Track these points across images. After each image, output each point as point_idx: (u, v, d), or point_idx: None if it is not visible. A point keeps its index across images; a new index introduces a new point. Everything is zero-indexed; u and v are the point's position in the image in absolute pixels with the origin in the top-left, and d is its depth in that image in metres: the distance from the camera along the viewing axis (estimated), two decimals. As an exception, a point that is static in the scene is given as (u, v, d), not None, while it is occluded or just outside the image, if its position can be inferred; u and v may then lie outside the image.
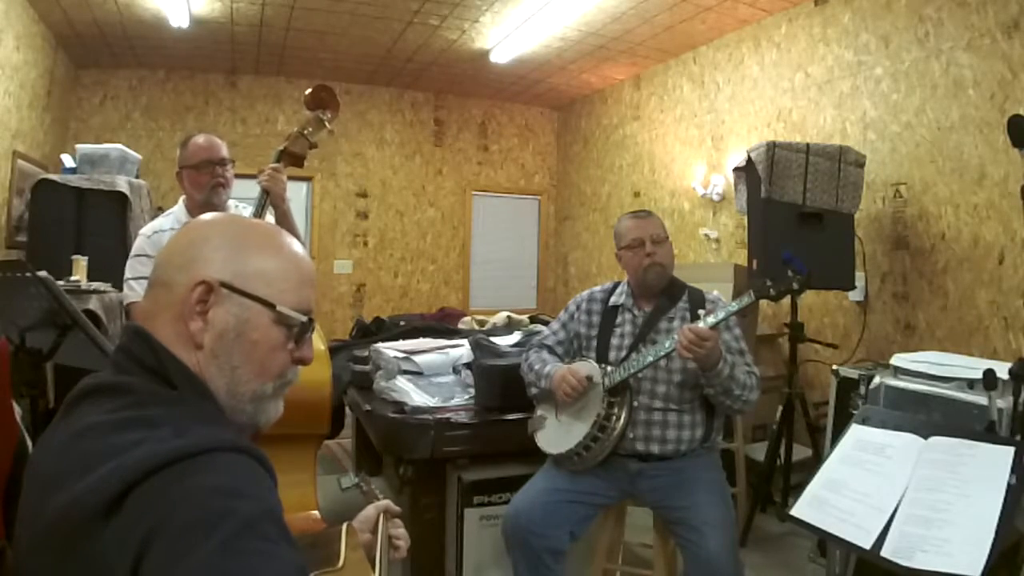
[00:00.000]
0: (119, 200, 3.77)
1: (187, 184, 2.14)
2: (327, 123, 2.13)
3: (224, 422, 0.77)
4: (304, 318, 0.83)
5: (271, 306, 0.80)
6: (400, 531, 1.09)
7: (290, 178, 2.11)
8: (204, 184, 2.10)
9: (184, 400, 0.74)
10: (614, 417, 1.92)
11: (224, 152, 2.15)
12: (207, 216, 0.85)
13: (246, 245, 0.81)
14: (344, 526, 0.94)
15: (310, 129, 2.11)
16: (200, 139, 2.15)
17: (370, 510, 1.09)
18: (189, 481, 0.63)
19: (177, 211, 2.20)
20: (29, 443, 1.70)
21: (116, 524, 0.61)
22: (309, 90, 2.15)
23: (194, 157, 2.11)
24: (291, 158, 2.10)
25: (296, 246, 0.87)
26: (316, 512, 1.89)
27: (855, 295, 3.45)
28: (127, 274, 2.10)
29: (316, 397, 1.84)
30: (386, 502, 1.11)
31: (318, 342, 1.88)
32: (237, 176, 2.21)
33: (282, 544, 0.64)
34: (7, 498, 1.54)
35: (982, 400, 1.84)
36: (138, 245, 2.12)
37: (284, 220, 2.08)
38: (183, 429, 0.68)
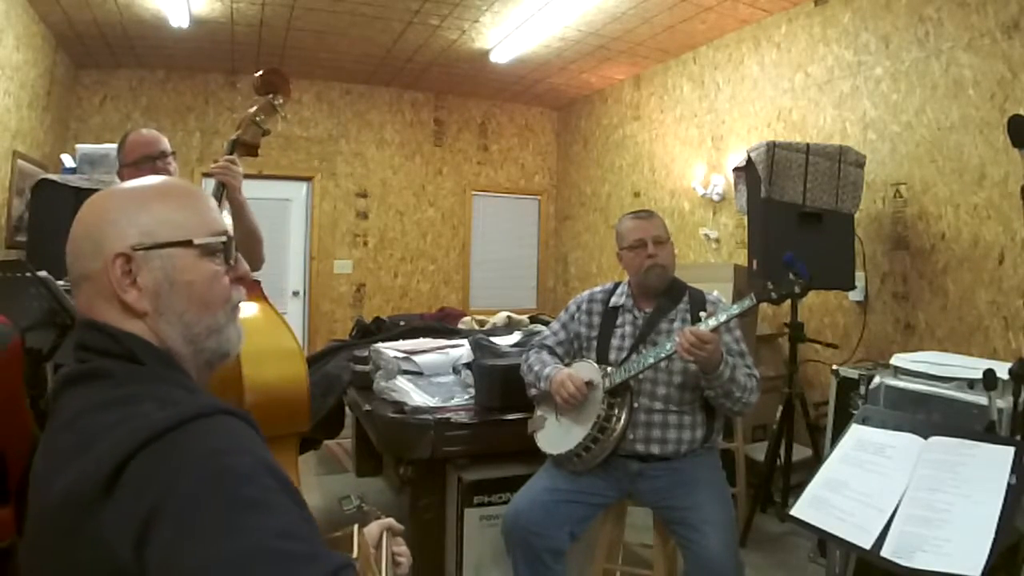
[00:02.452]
0: None
1: None
2: (279, 108, 2.04)
3: (196, 388, 0.79)
4: (223, 238, 0.83)
5: (188, 243, 0.80)
6: (403, 548, 1.10)
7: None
8: None
9: (157, 375, 0.76)
10: (614, 418, 1.91)
11: (164, 145, 2.07)
12: (87, 203, 0.85)
13: (134, 204, 0.81)
14: (355, 527, 0.95)
15: (262, 116, 2.02)
16: (137, 135, 2.07)
17: (373, 527, 1.09)
18: (179, 451, 0.64)
19: None
20: None
21: (114, 501, 0.62)
22: (259, 74, 2.04)
23: (132, 154, 2.03)
24: (245, 147, 2.01)
25: (181, 182, 0.88)
26: None
27: (855, 295, 3.45)
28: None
29: (293, 395, 1.84)
30: (389, 520, 1.11)
31: (289, 340, 1.86)
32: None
33: (280, 493, 0.65)
34: (20, 494, 1.54)
35: (982, 400, 1.84)
36: None
37: (240, 212, 1.97)
38: (165, 401, 0.69)
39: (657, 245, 2.02)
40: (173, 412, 0.67)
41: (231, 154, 1.99)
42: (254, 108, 2.03)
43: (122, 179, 2.08)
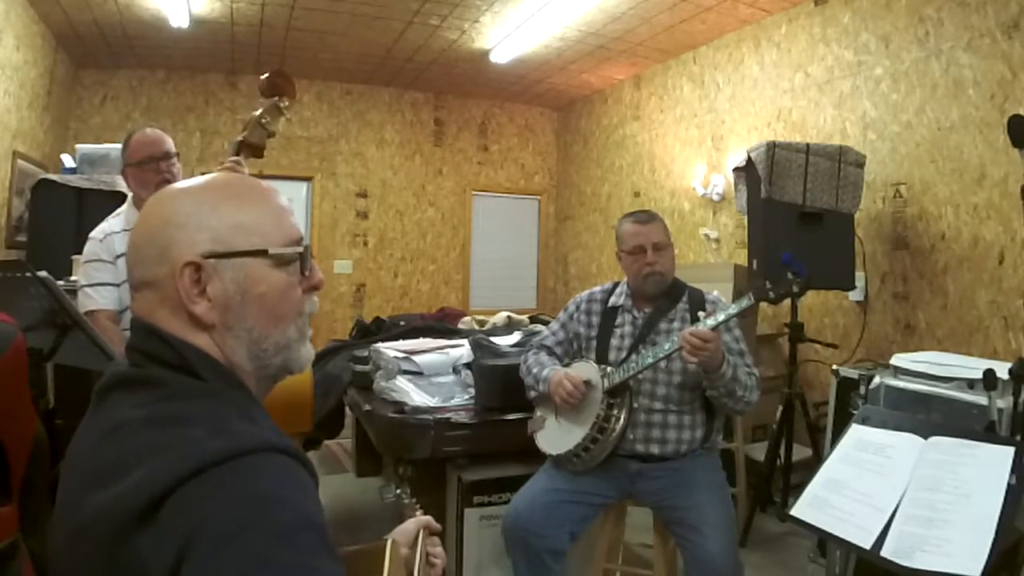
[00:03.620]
0: (119, 200, 3.70)
1: (132, 183, 2.05)
2: (284, 111, 2.04)
3: (256, 411, 0.74)
4: (300, 248, 0.79)
5: (263, 253, 0.75)
6: (438, 549, 1.07)
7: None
8: (149, 182, 2.00)
9: (215, 392, 0.71)
10: (613, 418, 1.91)
11: (168, 146, 2.06)
12: (150, 203, 0.79)
13: (205, 206, 0.75)
14: (389, 541, 0.91)
15: (268, 118, 2.01)
16: (141, 135, 2.07)
17: (410, 524, 1.06)
18: (224, 488, 0.61)
19: (126, 211, 2.10)
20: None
21: (153, 530, 0.59)
22: (264, 76, 2.04)
23: (136, 154, 2.03)
24: (251, 149, 1.99)
25: (254, 182, 0.82)
26: None
27: (855, 295, 3.45)
28: (81, 280, 2.00)
29: (297, 396, 1.83)
30: (427, 518, 1.08)
31: None
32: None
33: (318, 555, 0.61)
34: (23, 492, 1.55)
35: (982, 400, 1.84)
36: (90, 250, 2.02)
37: None
38: (218, 428, 0.66)
39: (657, 252, 2.00)
40: (224, 444, 0.63)
41: (237, 155, 1.99)
42: (260, 110, 2.03)
43: (125, 179, 2.09)
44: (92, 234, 2.07)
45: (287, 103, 2.05)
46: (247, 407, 0.73)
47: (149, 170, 2.02)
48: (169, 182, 2.01)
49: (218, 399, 0.71)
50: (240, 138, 2.01)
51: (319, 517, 0.65)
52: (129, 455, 0.64)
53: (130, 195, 2.13)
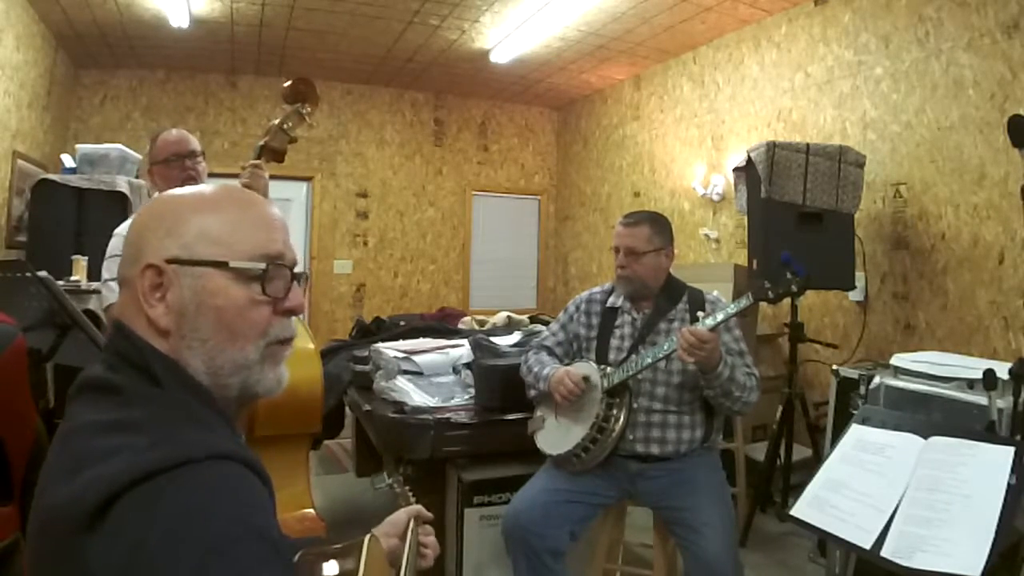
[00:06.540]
0: (119, 200, 3.77)
1: (158, 180, 2.09)
2: (307, 117, 2.09)
3: (212, 418, 0.73)
4: (262, 265, 0.75)
5: (223, 264, 0.73)
6: (430, 539, 1.07)
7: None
8: (174, 179, 2.04)
9: (169, 398, 0.70)
10: (612, 418, 1.91)
11: (194, 145, 2.10)
12: (144, 205, 0.81)
13: (180, 214, 0.75)
14: (367, 537, 0.89)
15: (290, 123, 2.06)
16: (167, 134, 2.11)
17: (401, 514, 1.05)
18: (163, 501, 0.60)
19: None
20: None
21: (99, 537, 0.60)
22: (288, 83, 2.09)
23: (162, 152, 2.07)
24: (272, 153, 2.05)
25: (243, 195, 0.80)
26: (311, 510, 1.89)
27: (855, 295, 3.45)
28: (104, 275, 2.04)
29: (307, 396, 1.84)
30: (418, 507, 1.07)
31: (307, 341, 1.87)
32: (236, 176, 2.17)
33: (253, 568, 0.60)
34: (25, 491, 1.55)
35: (982, 400, 1.84)
36: (114, 245, 2.06)
37: None
38: (162, 436, 0.65)
39: (629, 256, 2.01)
40: (165, 454, 0.62)
41: (258, 159, 2.03)
42: (282, 116, 2.07)
43: (151, 178, 2.14)
44: (117, 230, 2.10)
45: (309, 109, 2.10)
46: (203, 413, 0.72)
47: (174, 167, 2.05)
48: (194, 179, 2.08)
49: (171, 406, 0.70)
50: (262, 143, 2.06)
51: (262, 524, 0.64)
52: (78, 458, 0.64)
53: (156, 194, 2.16)
